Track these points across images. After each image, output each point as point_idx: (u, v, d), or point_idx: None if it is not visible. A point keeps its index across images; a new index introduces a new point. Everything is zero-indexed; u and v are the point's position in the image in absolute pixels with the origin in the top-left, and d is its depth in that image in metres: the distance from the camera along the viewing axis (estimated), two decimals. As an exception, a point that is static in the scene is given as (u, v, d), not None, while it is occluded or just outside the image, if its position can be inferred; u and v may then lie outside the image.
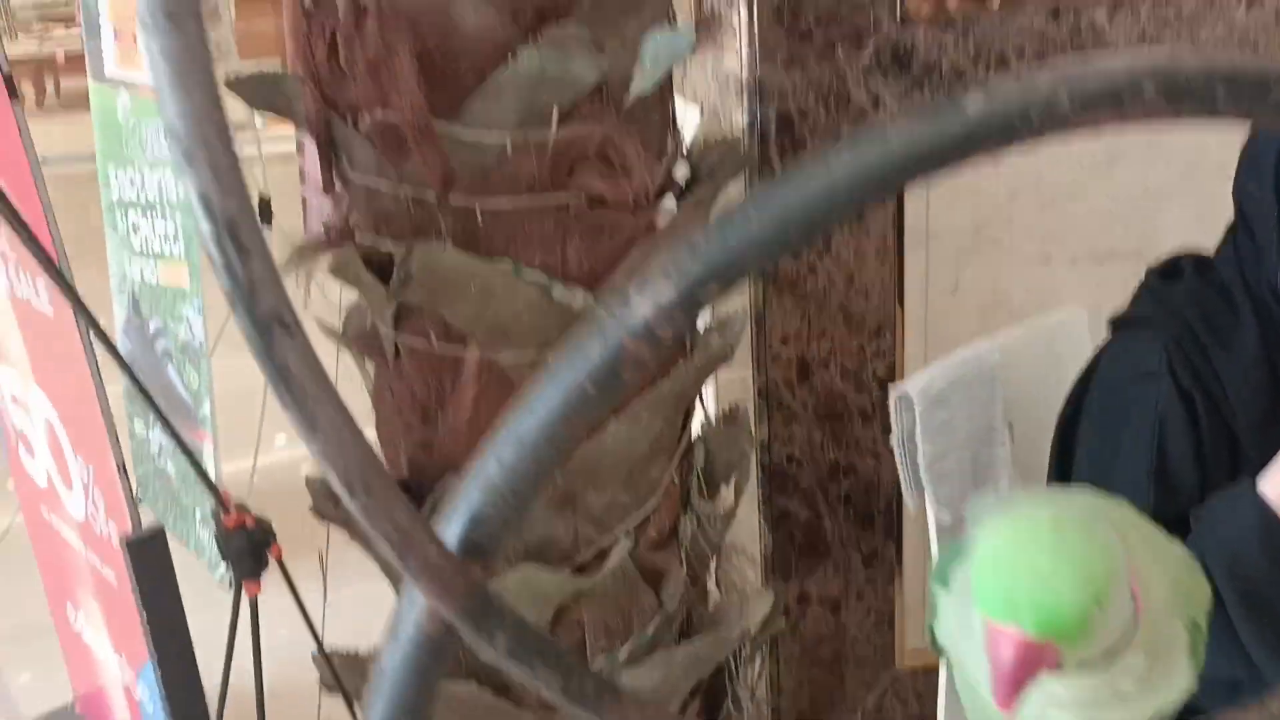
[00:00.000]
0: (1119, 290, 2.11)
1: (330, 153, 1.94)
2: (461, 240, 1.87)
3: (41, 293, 2.29)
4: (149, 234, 3.74)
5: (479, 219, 1.86)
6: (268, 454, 4.10)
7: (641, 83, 1.80)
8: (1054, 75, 0.40)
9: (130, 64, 3.57)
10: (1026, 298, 2.68)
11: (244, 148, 6.50)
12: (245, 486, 3.90)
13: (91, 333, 2.15)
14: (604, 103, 1.83)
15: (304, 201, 7.22)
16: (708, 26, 2.15)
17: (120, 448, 2.27)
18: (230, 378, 3.39)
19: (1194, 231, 2.81)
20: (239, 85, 1.93)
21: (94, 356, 2.16)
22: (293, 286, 2.07)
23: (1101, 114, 0.41)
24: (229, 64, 8.07)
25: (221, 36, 8.07)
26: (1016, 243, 2.68)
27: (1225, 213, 1.87)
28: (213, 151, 0.44)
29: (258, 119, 7.97)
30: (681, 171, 2.08)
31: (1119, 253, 2.73)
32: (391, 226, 1.89)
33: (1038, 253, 2.69)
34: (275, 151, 7.52)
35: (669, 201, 2.00)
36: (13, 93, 2.05)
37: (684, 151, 2.15)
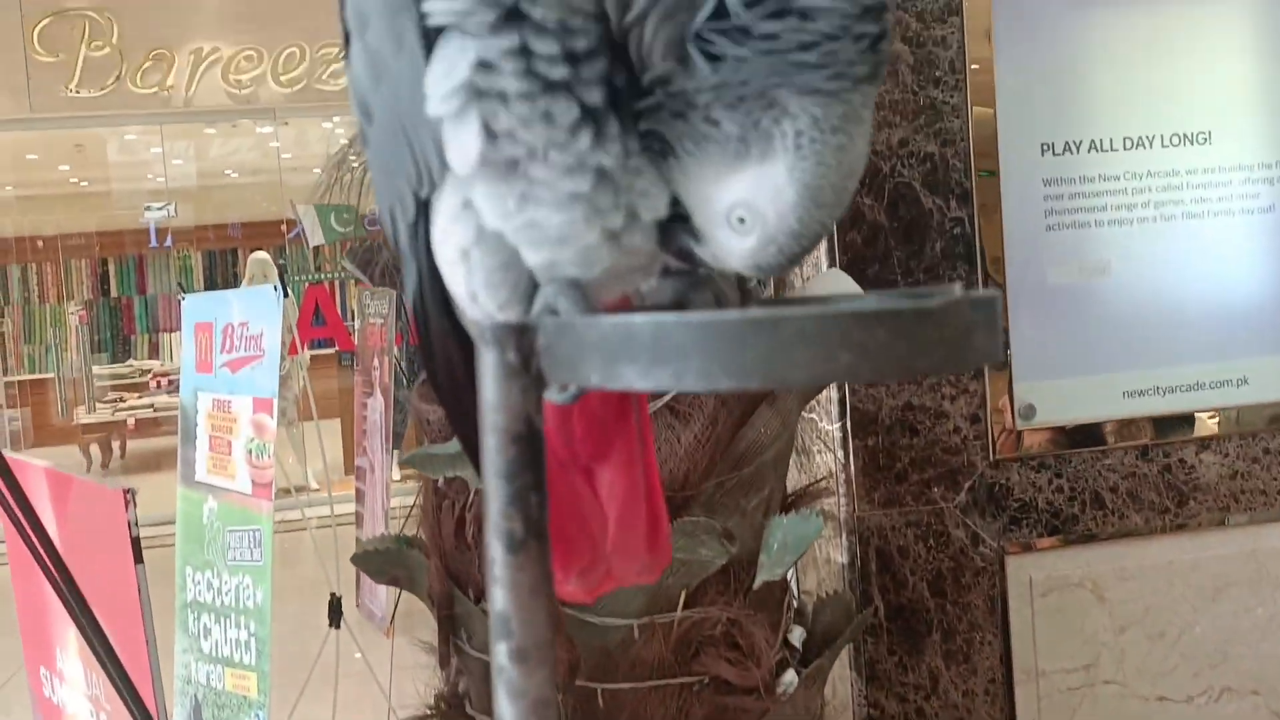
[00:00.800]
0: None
1: (449, 626, 1.93)
2: (582, 723, 1.82)
3: (136, 750, 2.23)
4: (220, 639, 3.71)
5: (600, 700, 1.82)
6: None
7: (771, 570, 1.81)
8: None
9: (220, 471, 3.67)
10: (1145, 742, 2.57)
11: (303, 510, 6.52)
12: None
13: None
14: (730, 584, 1.84)
15: (358, 574, 7.21)
16: (822, 495, 2.18)
17: None
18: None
19: (1310, 667, 2.69)
20: (363, 559, 1.96)
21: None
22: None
23: None
24: (295, 427, 8.31)
25: (289, 402, 8.33)
26: (1129, 680, 2.59)
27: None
28: None
29: (313, 480, 8.14)
30: (797, 635, 2.05)
31: (1235, 690, 2.64)
32: (510, 706, 1.86)
33: (1151, 691, 2.60)
34: (339, 511, 7.58)
35: (787, 673, 1.96)
36: (139, 557, 2.08)
37: (796, 603, 2.13)
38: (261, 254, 8.79)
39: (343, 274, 8.71)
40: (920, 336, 0.65)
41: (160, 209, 10.13)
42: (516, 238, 1.04)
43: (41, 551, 2.05)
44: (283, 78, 9.35)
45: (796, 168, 0.93)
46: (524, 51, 0.95)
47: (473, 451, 1.07)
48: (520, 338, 0.80)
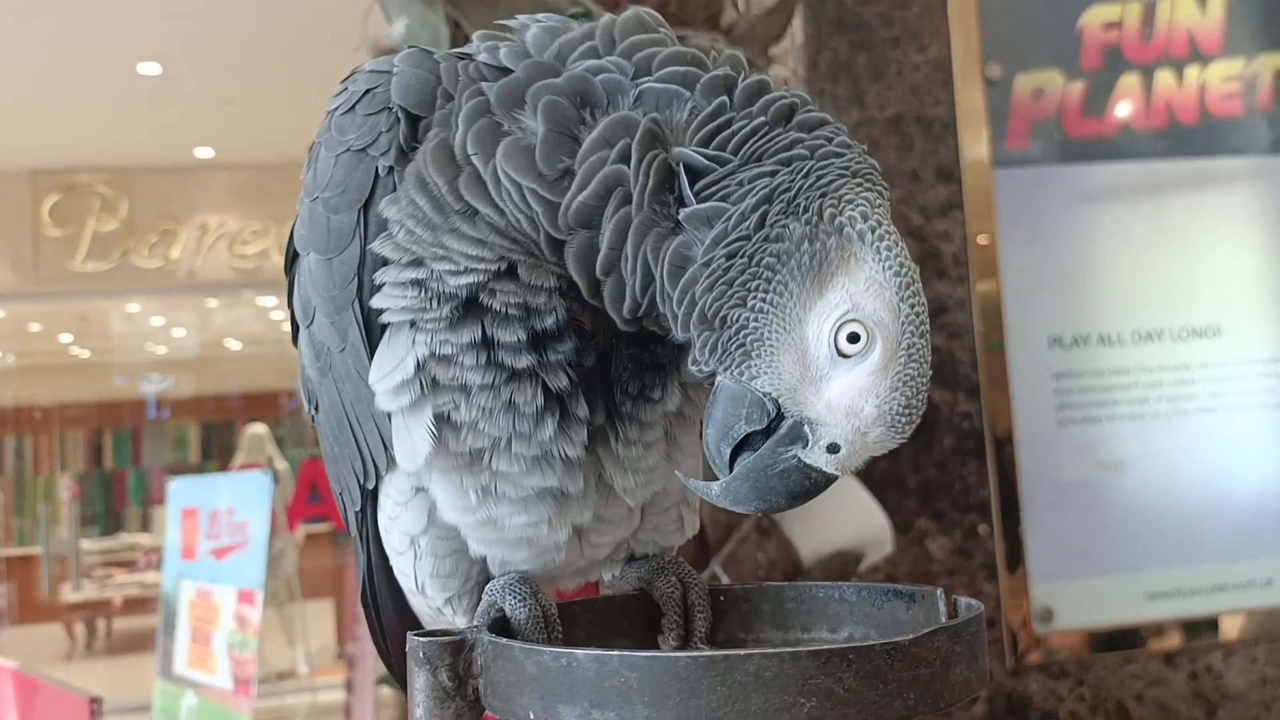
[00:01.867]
0: None
1: None
2: None
3: None
4: (195, 845, 3.48)
5: None
6: None
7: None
8: None
9: (201, 665, 3.51)
10: None
11: (287, 698, 6.26)
12: None
13: None
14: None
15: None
16: None
17: None
18: None
19: None
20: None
21: None
22: None
23: None
24: (286, 609, 8.09)
25: (280, 583, 8.15)
26: None
27: None
28: None
29: (303, 665, 7.88)
30: None
31: None
32: None
33: None
34: (327, 700, 7.34)
35: None
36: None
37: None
38: (258, 428, 8.72)
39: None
40: (892, 677, 0.58)
41: (161, 383, 10.12)
42: (471, 533, 0.97)
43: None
44: (288, 251, 9.45)
45: (883, 256, 0.86)
46: (486, 343, 0.91)
47: None
48: (456, 657, 0.72)
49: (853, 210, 0.86)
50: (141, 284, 9.43)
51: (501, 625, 0.91)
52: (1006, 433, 2.51)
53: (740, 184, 0.86)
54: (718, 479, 0.90)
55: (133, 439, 10.85)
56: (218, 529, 3.59)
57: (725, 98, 0.89)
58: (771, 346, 0.86)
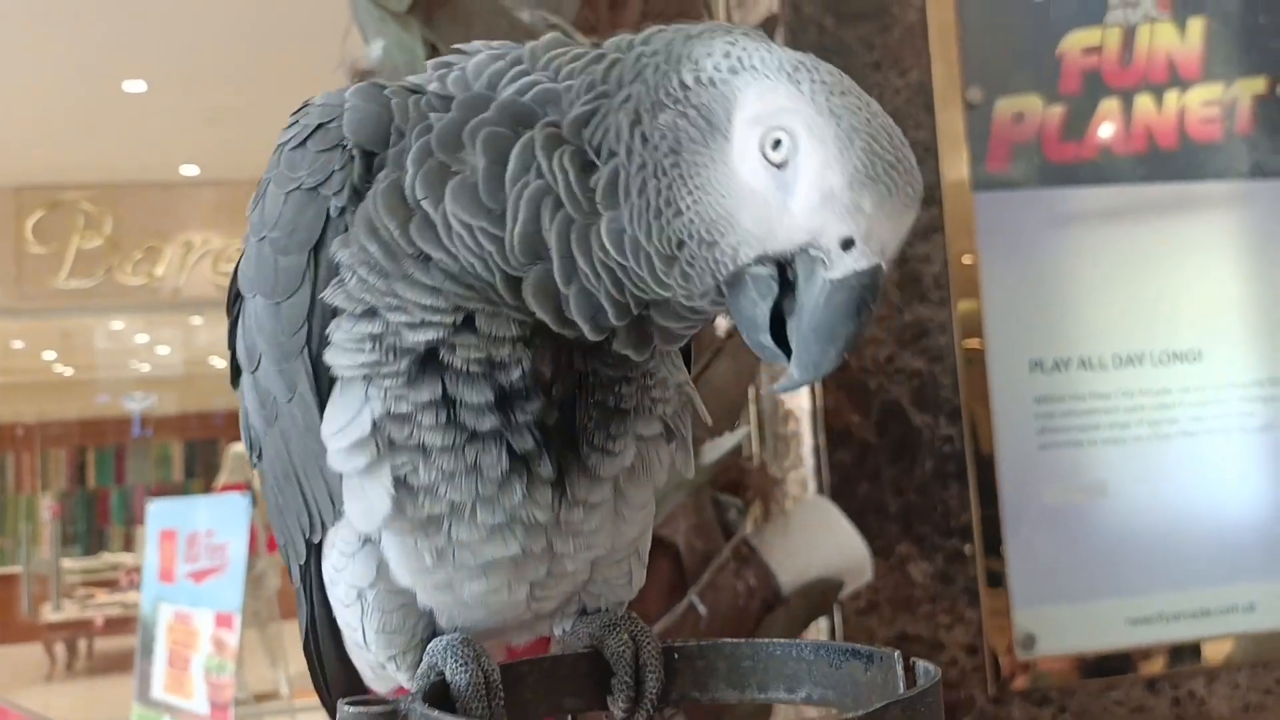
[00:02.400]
0: None
1: None
2: None
3: None
4: None
5: None
6: None
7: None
8: None
9: (178, 690, 3.47)
10: None
11: (267, 719, 6.18)
12: None
13: None
14: None
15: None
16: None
17: None
18: None
19: None
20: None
21: None
22: None
23: None
24: (274, 626, 8.01)
25: (262, 603, 8.09)
26: None
27: None
28: None
29: (284, 686, 7.81)
30: None
31: None
32: None
33: None
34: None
35: None
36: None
37: None
38: (242, 447, 8.67)
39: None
40: (843, 753, 0.56)
41: (144, 400, 10.07)
42: (424, 592, 0.94)
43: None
44: (273, 268, 9.41)
45: (757, 68, 0.79)
46: (446, 401, 0.87)
47: None
48: (386, 727, 0.71)
49: (708, 60, 0.82)
50: (125, 301, 9.38)
51: (441, 688, 0.88)
52: (988, 457, 2.50)
53: (616, 123, 0.83)
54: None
55: (116, 457, 10.77)
56: (196, 551, 3.55)
57: (597, 73, 0.86)
58: (725, 216, 0.82)
